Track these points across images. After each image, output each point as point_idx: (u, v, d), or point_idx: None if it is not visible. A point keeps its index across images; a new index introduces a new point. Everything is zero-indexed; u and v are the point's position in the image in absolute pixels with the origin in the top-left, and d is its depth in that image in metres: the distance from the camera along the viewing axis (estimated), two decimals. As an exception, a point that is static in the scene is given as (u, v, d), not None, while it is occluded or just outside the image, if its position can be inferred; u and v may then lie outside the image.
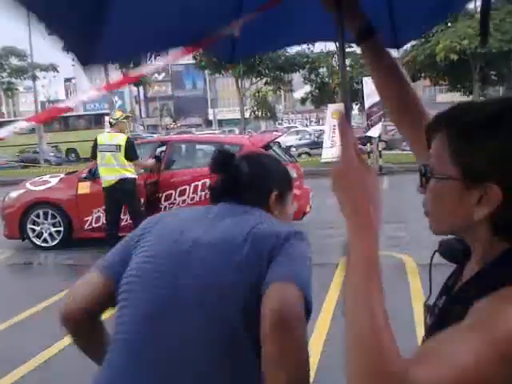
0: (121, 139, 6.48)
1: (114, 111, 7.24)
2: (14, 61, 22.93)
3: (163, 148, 7.47)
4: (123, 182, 6.43)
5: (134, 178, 6.54)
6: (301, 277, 1.18)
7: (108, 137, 6.59)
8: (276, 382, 1.04)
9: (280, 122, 48.85)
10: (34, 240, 7.26)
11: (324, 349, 3.66)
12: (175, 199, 7.03)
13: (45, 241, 7.25)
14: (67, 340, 3.96)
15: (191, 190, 7.00)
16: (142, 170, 6.94)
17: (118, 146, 6.44)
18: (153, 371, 1.12)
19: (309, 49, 21.73)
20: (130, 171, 6.48)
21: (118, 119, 6.64)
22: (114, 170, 6.44)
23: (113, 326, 1.23)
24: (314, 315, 4.09)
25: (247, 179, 1.36)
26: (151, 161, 7.08)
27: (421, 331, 3.86)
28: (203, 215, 1.31)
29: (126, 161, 6.44)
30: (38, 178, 7.94)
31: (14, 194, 7.54)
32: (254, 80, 22.95)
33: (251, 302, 1.10)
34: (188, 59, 22.97)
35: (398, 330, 3.06)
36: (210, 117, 62.68)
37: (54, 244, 7.22)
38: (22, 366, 3.61)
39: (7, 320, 4.55)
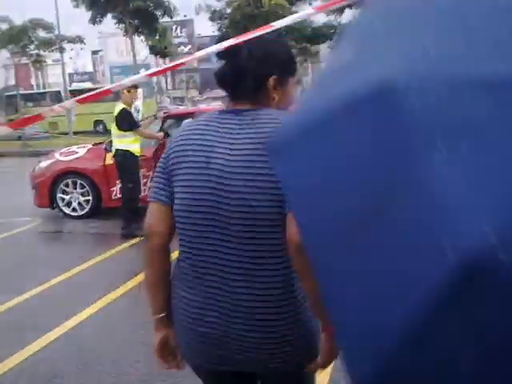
0: (116, 110, 6.36)
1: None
2: (42, 33, 23.09)
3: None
4: (115, 153, 6.35)
5: (126, 150, 6.24)
6: None
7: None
8: (307, 287, 1.27)
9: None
10: (63, 209, 7.45)
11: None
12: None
13: (74, 210, 7.43)
14: (93, 307, 4.12)
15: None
16: (153, 143, 6.80)
17: (113, 117, 6.41)
18: (215, 277, 1.38)
19: (336, 19, 21.33)
20: (122, 142, 6.27)
21: (120, 90, 6.43)
22: (113, 141, 6.46)
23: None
24: None
25: (246, 64, 1.40)
26: (159, 134, 6.95)
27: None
28: (222, 134, 1.39)
29: (118, 131, 6.28)
30: (66, 149, 8.10)
31: (43, 164, 7.71)
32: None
33: (279, 212, 1.29)
34: (214, 31, 22.80)
35: None
36: (236, 89, 62.23)
37: (82, 213, 7.40)
38: (50, 333, 3.74)
39: (36, 287, 4.69)
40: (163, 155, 1.49)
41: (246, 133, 1.36)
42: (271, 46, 1.48)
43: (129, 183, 6.31)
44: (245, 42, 1.40)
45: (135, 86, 6.57)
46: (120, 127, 6.23)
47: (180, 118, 8.00)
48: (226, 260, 1.36)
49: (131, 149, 6.26)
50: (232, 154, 1.35)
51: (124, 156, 6.25)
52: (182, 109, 14.58)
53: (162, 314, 1.52)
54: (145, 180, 6.85)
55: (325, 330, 1.34)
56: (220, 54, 1.44)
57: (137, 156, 6.35)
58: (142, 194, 6.62)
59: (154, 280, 1.51)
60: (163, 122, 7.21)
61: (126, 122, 6.23)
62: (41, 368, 3.26)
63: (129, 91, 6.31)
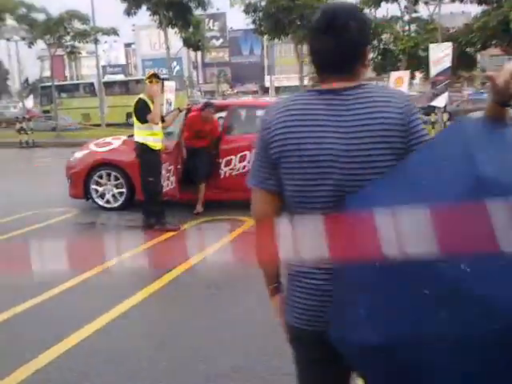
0: (134, 102, 6.17)
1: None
2: (77, 24, 23.28)
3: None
4: (135, 145, 6.20)
5: (143, 144, 6.05)
6: None
7: None
8: None
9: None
10: (97, 200, 7.43)
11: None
12: (235, 165, 6.97)
13: (107, 202, 7.41)
14: (130, 302, 4.03)
15: (252, 156, 6.91)
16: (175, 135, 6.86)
17: (132, 109, 6.22)
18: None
19: (372, 14, 20.88)
20: (139, 134, 6.09)
21: (142, 80, 6.33)
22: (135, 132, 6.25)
23: None
24: None
25: (357, 37, 1.40)
26: (174, 112, 7.02)
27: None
28: (334, 112, 1.39)
29: (136, 123, 6.10)
30: (101, 140, 8.07)
31: (78, 155, 7.70)
32: (314, 46, 22.37)
33: None
34: (248, 24, 22.63)
35: None
36: (267, 84, 62.05)
37: (116, 205, 7.37)
38: (87, 326, 3.68)
39: (70, 279, 4.62)
40: (260, 143, 1.50)
41: (355, 113, 1.38)
42: (360, 14, 1.46)
43: (149, 177, 6.12)
44: (341, 13, 1.39)
45: (157, 77, 6.23)
46: (137, 118, 6.09)
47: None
48: None
49: (148, 142, 6.04)
50: (346, 137, 1.37)
51: (142, 149, 6.08)
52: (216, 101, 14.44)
53: (276, 284, 1.70)
54: (167, 174, 6.75)
55: None
56: (325, 30, 1.39)
57: (155, 150, 6.09)
58: (166, 188, 6.61)
59: (271, 258, 1.57)
60: (187, 114, 7.08)
61: (140, 111, 6.02)
62: (75, 363, 3.18)
63: (150, 81, 6.07)
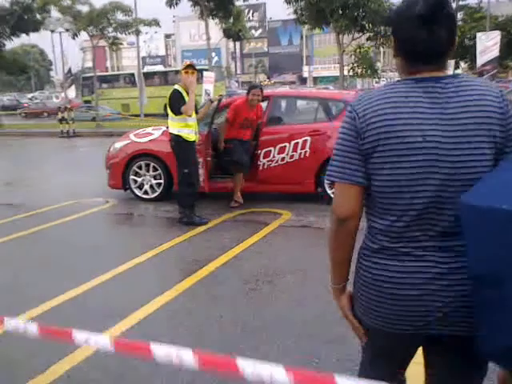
0: (169, 92, 6.00)
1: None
2: (120, 16, 23.53)
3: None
4: (170, 137, 6.06)
5: (177, 135, 5.90)
6: None
7: None
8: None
9: (377, 80, 46.85)
10: (135, 191, 7.42)
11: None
12: (274, 156, 6.83)
13: (145, 192, 7.39)
14: (170, 293, 3.96)
15: (291, 148, 6.75)
16: (205, 128, 6.73)
17: (167, 100, 6.07)
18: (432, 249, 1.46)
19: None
20: (173, 126, 5.94)
21: (179, 71, 6.05)
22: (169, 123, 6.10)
23: None
24: None
25: (455, 27, 1.42)
26: (206, 104, 6.88)
27: None
28: (431, 104, 1.39)
29: (171, 114, 5.93)
30: (141, 130, 8.05)
31: (118, 145, 7.69)
32: (356, 35, 21.87)
33: None
34: (289, 14, 22.30)
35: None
36: (305, 74, 61.50)
37: (154, 196, 7.34)
38: (125, 320, 3.62)
39: (103, 274, 4.56)
40: (347, 132, 1.47)
41: (457, 101, 1.39)
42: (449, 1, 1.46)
43: (184, 169, 6.00)
44: (443, 1, 1.37)
45: (193, 67, 6.00)
46: (171, 109, 5.93)
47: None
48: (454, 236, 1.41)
49: (182, 133, 5.90)
50: (450, 123, 1.38)
51: (176, 141, 5.94)
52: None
53: (344, 283, 1.65)
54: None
55: None
56: (429, 18, 1.36)
57: (189, 141, 5.96)
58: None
59: (346, 257, 1.59)
60: (218, 104, 6.88)
61: (174, 102, 5.89)
62: (112, 360, 3.13)
63: (186, 72, 5.92)
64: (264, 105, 7.14)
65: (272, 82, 58.21)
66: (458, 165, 1.37)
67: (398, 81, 1.46)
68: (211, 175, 7.04)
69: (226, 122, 6.84)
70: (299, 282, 4.25)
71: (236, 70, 66.41)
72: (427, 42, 1.38)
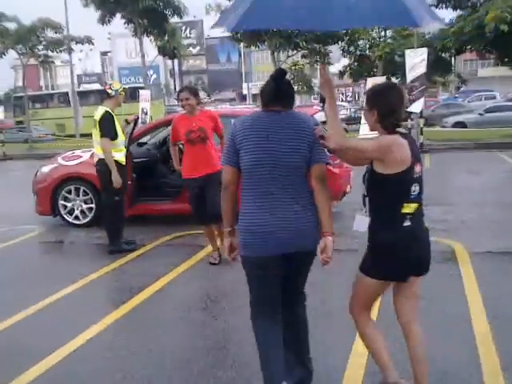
0: (98, 113, 5.64)
1: (112, 82, 6.04)
2: (50, 33, 22.80)
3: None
4: (97, 162, 5.70)
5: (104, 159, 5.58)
6: (325, 156, 2.58)
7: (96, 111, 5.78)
8: (321, 195, 2.54)
9: (315, 96, 47.95)
10: (65, 217, 7.10)
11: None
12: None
13: (76, 218, 7.09)
14: (98, 326, 3.75)
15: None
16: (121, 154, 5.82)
17: (95, 121, 5.65)
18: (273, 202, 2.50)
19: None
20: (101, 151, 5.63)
21: (117, 91, 5.74)
22: (95, 147, 5.80)
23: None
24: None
25: (290, 89, 2.67)
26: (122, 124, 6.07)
27: (478, 327, 3.41)
28: (271, 122, 2.51)
29: (99, 138, 5.59)
30: (69, 153, 7.74)
31: (45, 169, 7.36)
32: (290, 53, 22.25)
33: (306, 162, 2.52)
34: (223, 32, 22.40)
35: (453, 326, 2.64)
36: (245, 91, 62.01)
37: (85, 221, 7.05)
38: (51, 356, 3.40)
39: (36, 303, 4.36)
40: (230, 137, 2.55)
41: (285, 122, 2.53)
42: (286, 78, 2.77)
43: (115, 195, 5.65)
44: (283, 73, 2.71)
45: (125, 89, 5.88)
46: (101, 133, 5.56)
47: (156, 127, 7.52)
48: (279, 191, 2.50)
49: (116, 158, 5.61)
50: (281, 132, 2.49)
51: (105, 165, 5.57)
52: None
53: (230, 228, 2.65)
54: None
55: (325, 234, 2.56)
56: (276, 77, 2.61)
57: (123, 165, 5.71)
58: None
59: (230, 209, 2.62)
60: (135, 124, 6.37)
61: (106, 126, 5.56)
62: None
63: (121, 93, 5.74)
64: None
65: (212, 99, 58.24)
66: (283, 154, 2.48)
67: (257, 111, 2.64)
68: (133, 199, 6.74)
69: (129, 144, 6.34)
70: (234, 307, 4.14)
71: (175, 88, 66.10)
72: (278, 91, 2.56)
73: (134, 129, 6.42)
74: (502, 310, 3.83)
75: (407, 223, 2.40)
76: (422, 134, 15.28)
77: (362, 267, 2.55)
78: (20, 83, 29.83)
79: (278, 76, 2.57)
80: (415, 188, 2.40)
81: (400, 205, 2.40)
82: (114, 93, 5.74)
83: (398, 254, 2.42)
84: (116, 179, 5.55)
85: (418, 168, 2.41)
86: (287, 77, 2.71)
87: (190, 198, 5.30)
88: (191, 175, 5.15)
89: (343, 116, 26.82)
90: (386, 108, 2.40)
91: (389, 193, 2.42)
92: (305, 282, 2.71)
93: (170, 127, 7.31)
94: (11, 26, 22.80)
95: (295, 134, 2.48)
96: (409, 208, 2.40)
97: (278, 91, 2.53)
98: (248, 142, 2.47)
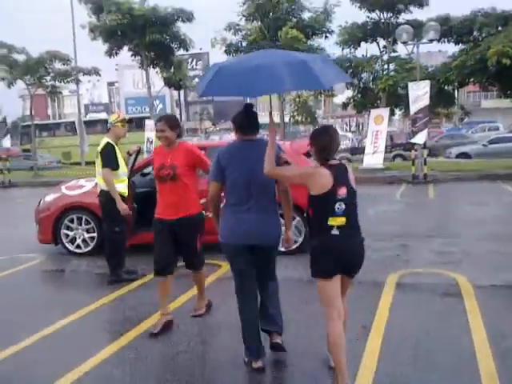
0: (101, 144, 5.69)
1: (116, 112, 6.11)
2: (58, 65, 23.15)
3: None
4: (100, 193, 5.75)
5: (107, 191, 5.59)
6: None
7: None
8: (286, 203, 3.66)
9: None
10: (67, 245, 7.09)
11: (378, 368, 3.27)
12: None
13: (78, 247, 7.07)
14: (102, 354, 3.69)
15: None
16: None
17: (97, 153, 5.71)
18: (249, 210, 3.52)
19: (351, 53, 21.19)
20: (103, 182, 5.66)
21: (112, 123, 5.77)
22: (97, 178, 5.84)
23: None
24: (363, 337, 3.51)
25: (257, 120, 3.60)
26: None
27: (484, 363, 3.32)
28: (246, 150, 3.50)
29: (101, 168, 5.63)
30: (73, 182, 7.78)
31: (48, 198, 7.39)
32: (294, 84, 22.48)
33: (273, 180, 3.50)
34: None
35: (458, 364, 2.57)
36: (250, 121, 62.61)
37: (87, 250, 7.03)
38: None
39: (37, 332, 4.32)
40: (217, 158, 3.55)
41: (257, 149, 3.42)
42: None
43: (116, 227, 5.65)
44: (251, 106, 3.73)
45: (130, 120, 5.93)
46: (103, 163, 5.59)
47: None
48: (253, 202, 3.46)
49: (117, 189, 5.62)
50: (255, 157, 3.36)
51: (108, 197, 5.58)
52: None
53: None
54: None
55: (288, 229, 3.77)
56: (247, 110, 3.61)
57: (124, 197, 5.70)
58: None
59: (216, 213, 3.68)
60: (136, 155, 6.28)
61: (109, 157, 5.60)
62: None
63: (123, 125, 5.75)
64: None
65: (217, 128, 58.75)
66: (257, 174, 3.34)
67: (236, 140, 3.61)
68: (134, 229, 6.67)
69: (131, 174, 6.31)
70: (236, 339, 4.07)
71: (181, 117, 66.80)
72: (246, 123, 3.55)
73: (135, 160, 6.42)
74: (508, 346, 3.75)
75: (335, 232, 3.06)
76: (425, 164, 15.27)
77: (311, 272, 3.20)
78: (28, 112, 30.19)
79: (249, 109, 3.57)
80: (340, 206, 3.06)
81: (326, 218, 3.06)
82: (109, 125, 5.82)
83: (325, 254, 3.09)
84: (122, 208, 5.55)
85: (341, 191, 3.07)
86: (256, 111, 3.71)
87: (154, 239, 4.43)
88: (161, 215, 4.39)
89: (344, 146, 26.99)
90: (319, 146, 3.14)
91: (316, 208, 3.13)
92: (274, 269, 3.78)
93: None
94: (20, 57, 23.21)
95: (263, 157, 3.23)
96: (334, 221, 3.06)
97: (249, 121, 3.55)
98: (231, 166, 3.47)
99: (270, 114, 3.27)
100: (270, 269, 3.71)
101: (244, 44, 21.01)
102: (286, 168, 3.38)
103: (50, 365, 3.76)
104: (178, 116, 61.91)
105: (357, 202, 3.17)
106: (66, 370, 3.58)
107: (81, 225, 7.03)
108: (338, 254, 3.07)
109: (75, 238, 7.06)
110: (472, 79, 18.94)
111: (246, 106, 3.56)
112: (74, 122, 32.47)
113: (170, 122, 4.39)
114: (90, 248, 7.02)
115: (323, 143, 3.13)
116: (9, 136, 23.32)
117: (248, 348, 3.55)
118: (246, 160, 3.41)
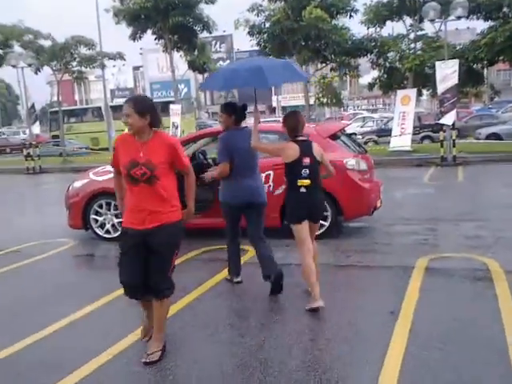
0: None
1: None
2: (83, 50, 23.36)
3: None
4: None
5: None
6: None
7: None
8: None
9: (345, 108, 47.69)
10: (96, 231, 7.22)
11: (405, 352, 3.26)
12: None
13: (107, 232, 7.19)
14: (128, 339, 3.75)
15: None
16: None
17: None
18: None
19: (376, 32, 20.79)
20: None
21: None
22: None
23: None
24: (391, 323, 3.48)
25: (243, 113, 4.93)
26: None
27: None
28: (242, 136, 4.74)
29: None
30: (100, 168, 7.88)
31: (77, 184, 7.51)
32: (319, 66, 22.19)
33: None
34: (253, 46, 22.60)
35: (487, 351, 2.50)
36: (274, 103, 62.21)
37: (116, 235, 7.14)
38: (82, 368, 3.44)
39: (67, 316, 4.43)
40: (224, 142, 4.76)
41: (248, 134, 4.64)
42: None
43: None
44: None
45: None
46: None
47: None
48: (250, 172, 4.88)
49: None
50: (247, 140, 4.56)
51: None
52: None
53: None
54: None
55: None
56: (243, 107, 4.93)
57: None
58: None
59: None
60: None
61: None
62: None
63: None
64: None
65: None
66: (250, 151, 4.67)
67: (234, 129, 4.83)
68: None
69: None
70: (261, 324, 4.11)
71: (206, 101, 66.75)
72: (241, 112, 4.94)
73: None
74: (539, 331, 3.68)
75: (303, 190, 4.25)
76: (454, 146, 14.95)
77: (286, 219, 4.55)
78: (55, 98, 30.57)
79: (243, 107, 4.86)
80: (305, 171, 4.23)
81: (295, 180, 4.26)
82: None
83: (296, 205, 4.34)
84: None
85: (306, 160, 4.24)
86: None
87: (120, 256, 3.63)
88: (130, 224, 3.49)
89: (369, 129, 26.65)
90: (289, 126, 4.36)
91: (289, 173, 4.34)
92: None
93: (198, 142, 7.47)
94: (46, 43, 23.49)
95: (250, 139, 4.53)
96: (301, 182, 4.23)
97: (242, 115, 4.84)
98: (236, 148, 4.67)
99: (255, 105, 4.68)
100: (261, 224, 4.88)
101: (267, 25, 20.80)
102: (267, 143, 5.31)
103: (76, 349, 3.86)
104: (203, 100, 61.89)
105: (319, 169, 4.35)
106: (95, 354, 3.67)
107: (109, 210, 7.14)
108: (305, 206, 4.29)
109: (104, 224, 7.19)
110: (502, 57, 18.44)
111: (242, 105, 4.91)
112: (100, 108, 32.78)
113: (137, 106, 3.34)
114: (119, 233, 7.11)
115: (292, 124, 4.33)
116: (38, 123, 23.60)
117: (231, 270, 5.12)
118: (245, 142, 4.59)
